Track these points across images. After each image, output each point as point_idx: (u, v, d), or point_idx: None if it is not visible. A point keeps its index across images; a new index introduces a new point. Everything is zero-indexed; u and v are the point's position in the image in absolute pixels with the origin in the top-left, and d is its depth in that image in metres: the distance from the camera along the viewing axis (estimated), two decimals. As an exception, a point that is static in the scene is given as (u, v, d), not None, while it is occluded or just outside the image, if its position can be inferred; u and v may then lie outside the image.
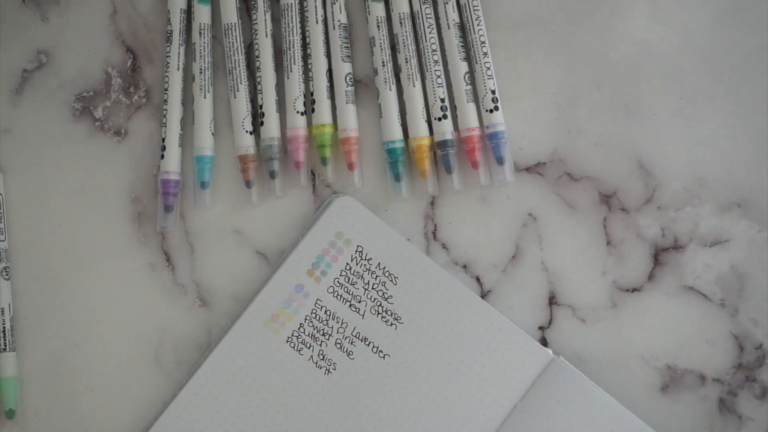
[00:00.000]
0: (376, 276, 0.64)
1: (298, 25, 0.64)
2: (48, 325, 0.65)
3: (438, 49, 0.64)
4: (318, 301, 0.64)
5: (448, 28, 0.64)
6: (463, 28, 0.64)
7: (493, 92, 0.64)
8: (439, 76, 0.64)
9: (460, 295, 0.64)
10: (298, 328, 0.64)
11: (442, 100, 0.64)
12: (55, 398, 0.65)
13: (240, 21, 0.65)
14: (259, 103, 0.64)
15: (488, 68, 0.64)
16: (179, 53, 0.64)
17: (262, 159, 0.64)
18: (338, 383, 0.63)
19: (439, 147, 0.64)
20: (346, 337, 0.64)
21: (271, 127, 0.64)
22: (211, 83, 0.65)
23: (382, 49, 0.64)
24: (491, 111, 0.64)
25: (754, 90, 0.65)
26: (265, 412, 0.63)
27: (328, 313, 0.64)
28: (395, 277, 0.64)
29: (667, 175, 0.65)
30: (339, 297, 0.64)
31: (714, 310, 0.65)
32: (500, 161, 0.64)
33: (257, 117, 0.65)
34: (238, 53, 0.64)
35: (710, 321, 0.65)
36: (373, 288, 0.64)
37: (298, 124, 0.64)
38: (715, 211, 0.65)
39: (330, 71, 0.65)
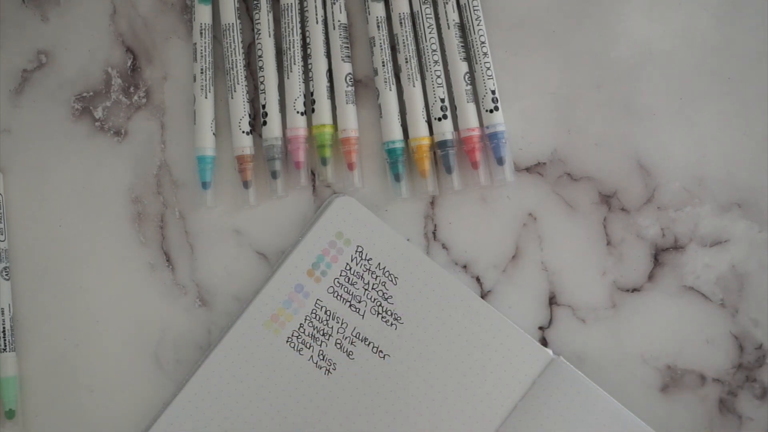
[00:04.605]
0: (376, 276, 0.64)
1: (298, 25, 0.64)
2: (48, 325, 0.65)
3: (438, 49, 0.64)
4: (318, 301, 0.64)
5: (448, 28, 0.64)
6: (463, 28, 0.64)
7: (493, 92, 0.64)
8: (439, 76, 0.64)
9: (460, 295, 0.64)
10: (298, 328, 0.64)
11: (442, 100, 0.64)
12: (55, 398, 0.65)
13: (239, 21, 0.65)
14: (262, 103, 0.64)
15: (488, 68, 0.64)
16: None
17: (265, 159, 0.64)
18: (338, 383, 0.63)
19: (439, 147, 0.64)
20: (346, 337, 0.64)
21: (274, 127, 0.64)
22: (212, 83, 0.65)
23: (382, 49, 0.64)
24: (491, 111, 0.64)
25: (754, 90, 0.65)
26: (265, 412, 0.63)
27: (328, 313, 0.64)
28: (395, 277, 0.64)
29: (667, 175, 0.65)
30: (339, 297, 0.64)
31: (714, 310, 0.65)
32: (500, 161, 0.64)
33: (258, 117, 0.65)
34: (236, 53, 0.64)
35: (710, 321, 0.65)
36: (373, 288, 0.64)
37: (298, 124, 0.64)
38: (715, 211, 0.65)
39: (330, 71, 0.65)
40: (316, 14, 0.64)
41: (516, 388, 0.63)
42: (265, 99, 0.64)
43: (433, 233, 0.66)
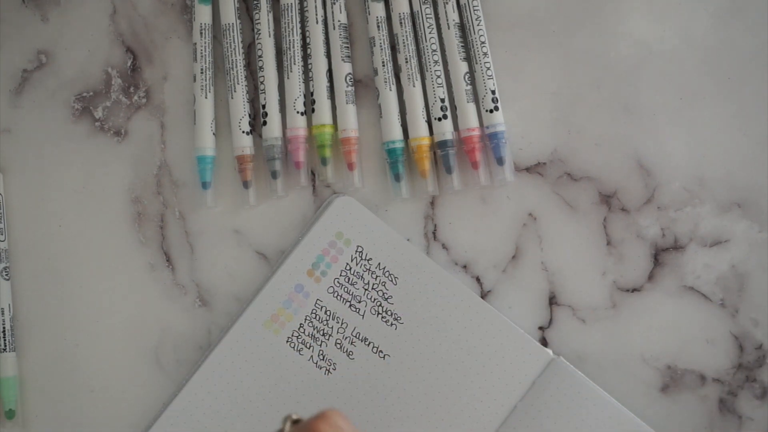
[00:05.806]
0: (376, 276, 0.64)
1: (298, 25, 0.64)
2: (48, 325, 0.65)
3: (438, 49, 0.64)
4: (318, 301, 0.64)
5: (448, 28, 0.64)
6: (463, 28, 0.64)
7: (493, 92, 0.64)
8: (439, 76, 0.64)
9: (460, 295, 0.64)
10: (298, 328, 0.64)
11: (442, 100, 0.64)
12: (55, 398, 0.65)
13: (239, 21, 0.65)
14: (262, 103, 0.64)
15: (488, 68, 0.64)
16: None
17: (265, 159, 0.64)
18: (338, 383, 0.63)
19: (439, 147, 0.64)
20: (346, 337, 0.64)
21: (274, 127, 0.64)
22: (212, 83, 0.65)
23: (382, 49, 0.64)
24: (491, 111, 0.64)
25: (754, 90, 0.65)
26: (265, 412, 0.63)
27: (328, 313, 0.64)
28: (395, 277, 0.64)
29: (667, 175, 0.65)
30: (339, 297, 0.64)
31: (714, 310, 0.65)
32: (500, 161, 0.64)
33: (258, 117, 0.65)
34: (236, 53, 0.64)
35: (710, 321, 0.65)
36: (373, 288, 0.64)
37: (298, 124, 0.64)
38: (715, 211, 0.65)
39: (330, 71, 0.65)
40: (316, 14, 0.64)
41: (516, 388, 0.63)
42: (265, 99, 0.64)
43: (433, 233, 0.65)
